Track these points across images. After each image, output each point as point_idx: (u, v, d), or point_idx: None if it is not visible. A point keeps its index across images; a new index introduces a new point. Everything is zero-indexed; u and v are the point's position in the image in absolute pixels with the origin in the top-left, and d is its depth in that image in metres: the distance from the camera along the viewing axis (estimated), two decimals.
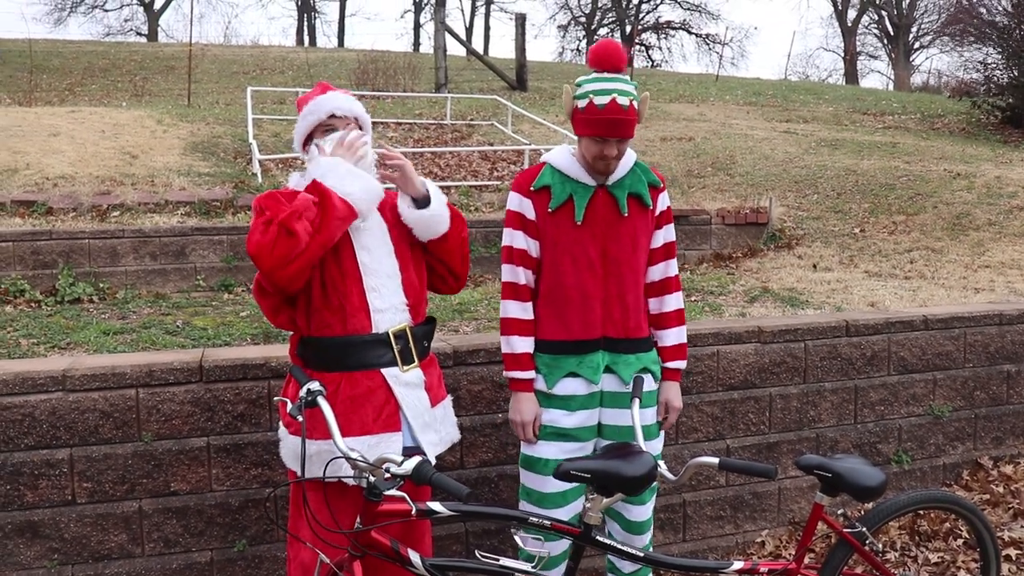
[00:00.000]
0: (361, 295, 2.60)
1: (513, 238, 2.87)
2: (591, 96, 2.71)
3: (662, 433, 3.00)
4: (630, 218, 2.84)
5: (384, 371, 2.61)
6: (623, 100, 2.69)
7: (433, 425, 2.70)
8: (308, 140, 2.74)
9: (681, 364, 2.99)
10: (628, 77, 2.80)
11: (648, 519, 2.96)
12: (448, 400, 2.84)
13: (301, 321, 2.64)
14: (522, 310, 2.87)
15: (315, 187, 2.52)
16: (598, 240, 2.82)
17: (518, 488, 2.99)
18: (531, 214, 2.84)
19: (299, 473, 2.66)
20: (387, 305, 2.62)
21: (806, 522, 2.79)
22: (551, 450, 2.84)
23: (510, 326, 2.87)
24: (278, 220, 2.40)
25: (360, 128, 2.76)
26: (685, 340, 3.00)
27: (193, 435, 3.25)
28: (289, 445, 2.66)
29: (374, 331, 2.60)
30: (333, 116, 2.69)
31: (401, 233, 2.73)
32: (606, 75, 2.75)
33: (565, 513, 2.86)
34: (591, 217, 2.81)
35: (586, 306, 2.83)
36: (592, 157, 2.77)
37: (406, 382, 2.63)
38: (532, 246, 2.86)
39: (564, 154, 2.87)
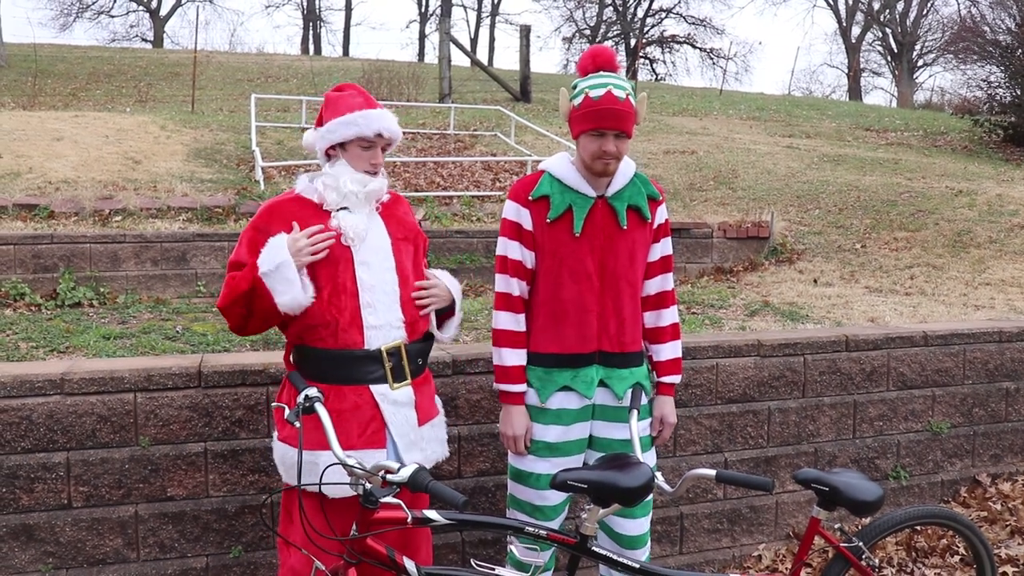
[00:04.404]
0: (355, 311, 2.58)
1: (508, 248, 2.81)
2: (586, 91, 2.68)
3: (654, 448, 2.96)
4: (629, 231, 2.79)
5: (373, 387, 2.59)
6: (619, 92, 2.65)
7: (419, 444, 2.68)
8: (336, 144, 2.64)
9: (676, 379, 2.95)
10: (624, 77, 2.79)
11: (643, 534, 2.89)
12: (439, 418, 2.82)
13: (294, 329, 2.63)
14: (514, 322, 2.82)
15: (254, 278, 2.51)
16: (596, 253, 2.77)
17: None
18: (528, 224, 2.79)
19: (289, 480, 2.66)
20: (382, 322, 2.60)
21: (803, 536, 2.78)
22: (543, 465, 2.80)
23: (501, 338, 2.82)
24: (217, 306, 2.64)
25: (386, 147, 2.71)
26: (680, 355, 2.96)
27: (191, 440, 3.24)
28: (279, 452, 2.66)
29: (366, 347, 2.58)
30: (379, 135, 2.63)
31: (405, 247, 2.71)
32: (601, 72, 2.72)
33: (555, 524, 2.85)
34: (590, 229, 2.76)
35: (582, 319, 2.77)
36: (591, 156, 2.70)
37: (394, 400, 2.62)
38: (528, 257, 2.81)
39: (563, 162, 2.81)
